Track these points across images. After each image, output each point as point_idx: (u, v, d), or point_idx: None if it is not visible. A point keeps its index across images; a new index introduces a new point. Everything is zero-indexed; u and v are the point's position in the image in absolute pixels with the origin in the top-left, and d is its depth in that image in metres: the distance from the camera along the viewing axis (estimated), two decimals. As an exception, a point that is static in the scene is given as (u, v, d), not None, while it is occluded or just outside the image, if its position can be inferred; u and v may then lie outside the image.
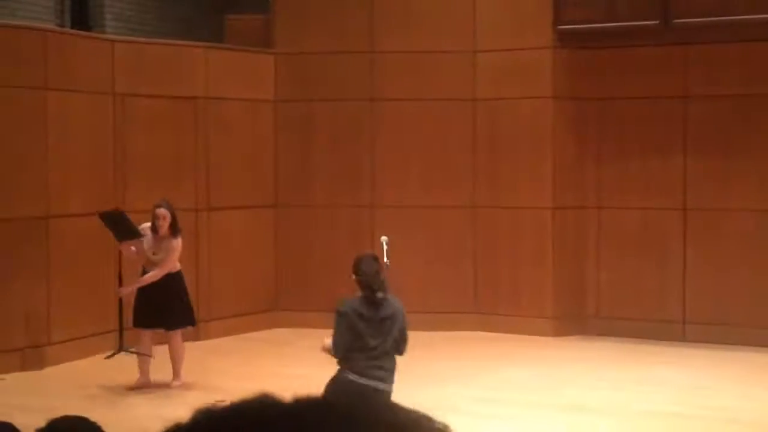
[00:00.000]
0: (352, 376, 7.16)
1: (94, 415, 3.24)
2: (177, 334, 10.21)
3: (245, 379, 10.34)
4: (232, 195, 12.88)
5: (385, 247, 8.08)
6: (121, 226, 10.23)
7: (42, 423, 3.00)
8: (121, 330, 10.53)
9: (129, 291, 10.33)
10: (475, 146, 13.08)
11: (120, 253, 10.38)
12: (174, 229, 9.98)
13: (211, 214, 12.68)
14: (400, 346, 7.33)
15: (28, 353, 10.84)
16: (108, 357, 10.58)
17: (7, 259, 10.70)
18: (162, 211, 9.93)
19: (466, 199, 13.07)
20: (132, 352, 10.27)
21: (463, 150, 13.08)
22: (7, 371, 10.47)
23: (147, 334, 10.14)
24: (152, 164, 12.17)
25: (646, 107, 12.48)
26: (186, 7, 13.82)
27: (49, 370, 10.86)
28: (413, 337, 11.38)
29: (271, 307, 13.28)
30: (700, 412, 9.33)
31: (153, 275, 9.96)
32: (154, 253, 10.00)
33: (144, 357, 10.06)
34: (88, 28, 12.87)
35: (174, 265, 10.05)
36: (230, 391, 9.65)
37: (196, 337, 12.36)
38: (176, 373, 10.22)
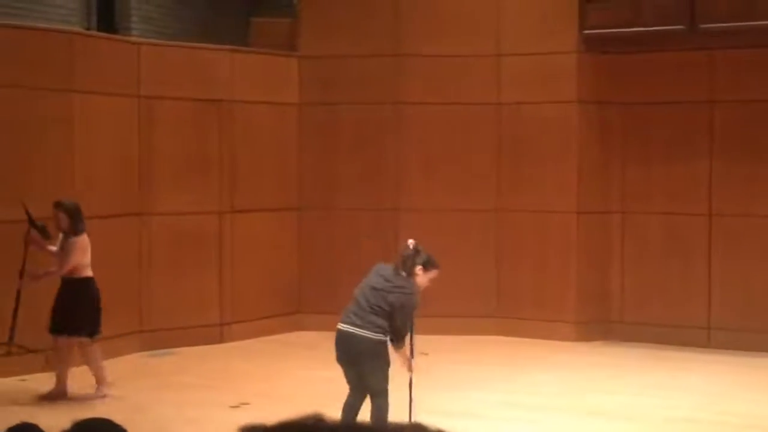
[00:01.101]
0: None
1: (117, 417, 3.21)
2: (65, 342, 9.73)
3: (269, 381, 10.38)
4: (256, 198, 12.93)
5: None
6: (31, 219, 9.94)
7: (67, 424, 2.98)
8: (13, 325, 10.07)
9: (28, 282, 9.99)
10: (500, 150, 13.08)
11: (26, 244, 9.95)
12: (74, 228, 9.61)
13: (235, 217, 12.72)
14: (390, 320, 7.66)
15: (51, 354, 10.83)
16: None
17: (32, 261, 10.72)
18: (54, 210, 9.68)
19: (490, 202, 13.06)
20: (22, 349, 10.03)
21: (488, 154, 13.09)
22: (30, 372, 10.48)
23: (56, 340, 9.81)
24: (177, 167, 12.23)
25: (672, 112, 12.44)
26: (212, 10, 13.87)
27: (71, 371, 10.83)
28: (436, 341, 11.46)
29: (294, 309, 13.33)
30: (723, 419, 9.34)
31: (49, 272, 9.79)
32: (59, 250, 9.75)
33: (62, 366, 9.78)
34: (114, 31, 12.91)
35: (74, 266, 9.63)
36: (255, 393, 9.73)
37: (221, 340, 12.45)
38: (57, 381, 9.77)
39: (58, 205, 9.67)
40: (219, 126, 12.56)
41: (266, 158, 13.04)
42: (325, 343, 12.29)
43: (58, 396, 9.71)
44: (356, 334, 7.65)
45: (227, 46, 12.80)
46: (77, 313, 9.66)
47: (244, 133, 12.78)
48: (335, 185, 13.34)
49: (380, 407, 7.60)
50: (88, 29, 12.57)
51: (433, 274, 7.75)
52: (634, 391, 10.29)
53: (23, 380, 10.34)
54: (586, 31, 12.44)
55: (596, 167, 12.82)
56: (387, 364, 7.71)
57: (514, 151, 13.02)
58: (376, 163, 13.26)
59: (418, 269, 7.66)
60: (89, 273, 9.75)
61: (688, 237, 12.47)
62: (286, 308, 13.22)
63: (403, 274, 7.70)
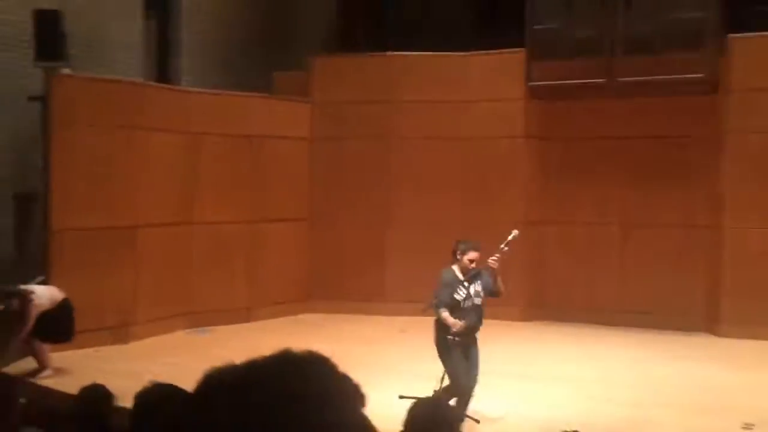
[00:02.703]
0: None
1: (176, 381, 3.34)
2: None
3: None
4: (278, 210, 12.95)
5: (509, 237, 7.37)
6: None
7: (129, 386, 3.09)
8: None
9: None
10: (465, 174, 13.07)
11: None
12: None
13: (261, 225, 12.78)
14: None
15: (118, 330, 10.92)
16: None
17: (105, 259, 10.79)
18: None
19: (457, 215, 13.01)
20: None
21: (457, 177, 13.06)
22: (100, 344, 10.53)
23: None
24: (217, 186, 12.27)
25: (596, 145, 12.47)
26: (245, 66, 13.99)
27: (133, 344, 10.90)
28: (413, 321, 11.50)
29: (306, 296, 13.33)
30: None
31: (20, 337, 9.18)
32: None
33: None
34: (169, 82, 13.03)
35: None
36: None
37: (247, 320, 12.43)
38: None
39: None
40: (250, 155, 12.61)
41: (285, 180, 13.05)
42: (330, 322, 12.49)
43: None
44: None
45: (256, 94, 12.83)
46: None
47: (268, 161, 12.80)
48: (338, 201, 13.33)
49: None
50: (149, 81, 12.69)
51: (471, 255, 7.14)
52: (568, 359, 10.29)
53: (97, 351, 10.39)
54: (531, 83, 12.50)
55: (537, 186, 12.83)
56: (439, 349, 7.20)
57: (476, 174, 13.01)
58: (371, 185, 13.23)
59: (458, 255, 7.21)
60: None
61: (604, 243, 12.53)
62: (299, 295, 13.22)
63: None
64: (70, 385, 7.15)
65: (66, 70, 10.65)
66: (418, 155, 13.14)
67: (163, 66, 13.22)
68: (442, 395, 6.96)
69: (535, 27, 12.24)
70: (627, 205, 12.41)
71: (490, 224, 12.88)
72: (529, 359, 10.34)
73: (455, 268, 7.22)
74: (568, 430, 3.51)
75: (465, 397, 7.06)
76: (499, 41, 12.69)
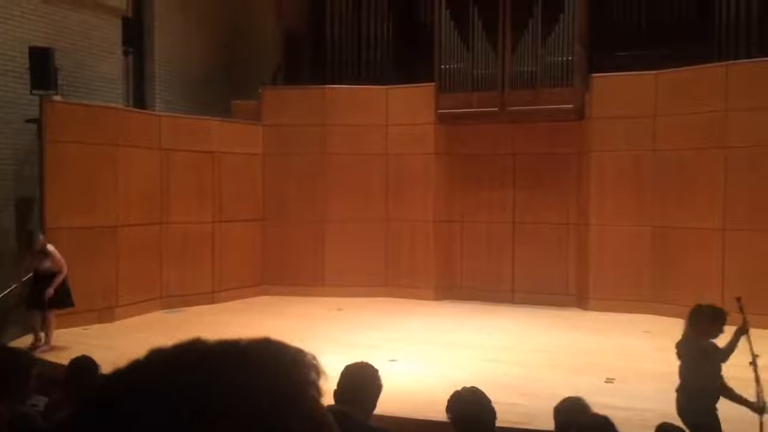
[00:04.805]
0: None
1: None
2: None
3: (246, 327, 10.21)
4: (235, 212, 12.79)
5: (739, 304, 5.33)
6: None
7: (111, 357, 2.90)
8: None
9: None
10: (387, 181, 13.09)
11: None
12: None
13: (222, 225, 12.60)
14: None
15: (103, 312, 10.68)
16: None
17: (92, 252, 10.58)
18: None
19: (381, 214, 13.11)
20: None
21: (380, 184, 13.07)
22: (89, 323, 10.31)
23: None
24: (185, 193, 12.06)
25: (490, 159, 12.60)
26: (207, 95, 13.75)
27: (117, 323, 10.69)
28: (347, 301, 11.35)
29: (259, 282, 13.20)
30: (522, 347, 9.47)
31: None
32: None
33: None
34: (144, 107, 12.72)
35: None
36: (236, 335, 9.59)
37: (212, 302, 12.28)
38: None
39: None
40: (211, 168, 12.43)
41: (241, 187, 12.90)
42: (279, 303, 12.35)
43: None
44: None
45: (217, 118, 12.68)
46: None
47: (227, 172, 12.64)
48: (286, 205, 13.22)
49: None
50: (128, 106, 12.37)
51: (724, 327, 5.15)
52: (472, 330, 10.34)
53: (86, 329, 10.13)
54: (439, 111, 12.55)
55: (445, 192, 12.90)
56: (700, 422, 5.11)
57: (396, 182, 13.02)
58: (311, 191, 13.14)
59: (717, 325, 5.10)
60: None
61: (500, 236, 12.62)
62: (254, 281, 13.09)
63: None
64: (63, 357, 6.90)
65: (57, 97, 10.52)
66: (350, 168, 13.08)
67: (139, 94, 12.94)
68: None
69: (442, 66, 12.31)
70: (515, 206, 12.54)
71: (407, 222, 12.99)
72: (441, 330, 10.38)
73: (713, 340, 5.19)
74: (468, 386, 3.42)
75: None
76: (414, 77, 12.74)
